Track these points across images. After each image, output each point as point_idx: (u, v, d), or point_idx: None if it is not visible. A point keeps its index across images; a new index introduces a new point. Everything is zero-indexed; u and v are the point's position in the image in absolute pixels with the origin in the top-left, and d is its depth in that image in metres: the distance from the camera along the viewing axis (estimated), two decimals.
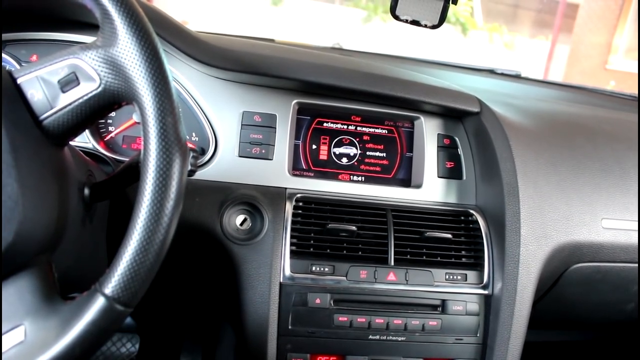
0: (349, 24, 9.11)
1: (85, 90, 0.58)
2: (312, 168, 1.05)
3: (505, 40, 9.86)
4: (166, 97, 0.56)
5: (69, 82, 0.57)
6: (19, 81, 0.57)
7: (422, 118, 1.07)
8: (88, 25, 0.95)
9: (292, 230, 0.94)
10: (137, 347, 1.51)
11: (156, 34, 0.58)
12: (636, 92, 1.69)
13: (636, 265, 1.08)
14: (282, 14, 8.96)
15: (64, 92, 0.58)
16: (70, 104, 0.58)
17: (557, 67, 8.98)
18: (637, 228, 1.06)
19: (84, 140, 0.96)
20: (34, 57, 0.96)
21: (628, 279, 1.12)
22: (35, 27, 0.96)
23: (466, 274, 0.98)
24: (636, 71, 8.00)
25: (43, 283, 0.56)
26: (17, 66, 0.94)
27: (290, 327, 0.92)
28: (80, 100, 0.58)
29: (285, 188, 1.00)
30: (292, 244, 0.93)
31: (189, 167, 0.61)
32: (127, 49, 0.56)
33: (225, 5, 8.40)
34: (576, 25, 8.65)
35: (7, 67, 0.79)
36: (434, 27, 0.98)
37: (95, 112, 0.59)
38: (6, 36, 0.95)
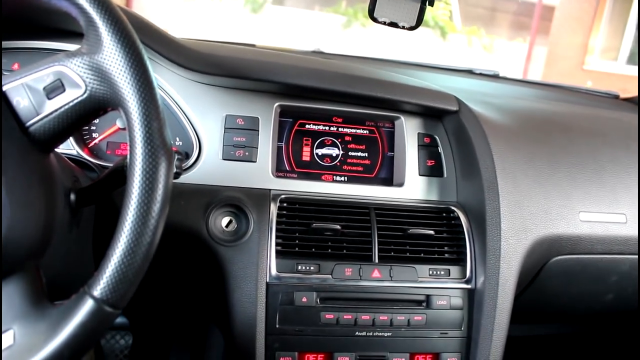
0: (329, 30, 9.15)
1: (71, 96, 0.58)
2: (296, 169, 1.06)
3: (483, 43, 9.98)
4: (151, 102, 0.57)
5: (54, 89, 0.58)
6: (4, 88, 0.58)
7: (402, 118, 1.09)
8: (70, 33, 0.96)
9: (277, 230, 0.95)
10: (130, 344, 1.53)
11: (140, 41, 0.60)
12: (612, 89, 1.73)
13: (613, 256, 1.10)
14: (263, 22, 8.97)
15: (49, 98, 0.58)
16: (56, 111, 0.58)
17: (535, 69, 9.10)
18: (614, 220, 1.09)
19: (68, 147, 0.96)
20: (16, 66, 0.96)
21: (606, 270, 1.14)
22: (17, 36, 0.96)
23: (449, 269, 0.99)
24: (612, 71, 8.14)
25: (31, 288, 0.57)
26: None
27: (277, 326, 0.93)
28: (66, 107, 0.59)
29: (270, 189, 1.01)
30: (277, 244, 0.94)
31: (175, 170, 0.62)
32: (112, 55, 0.57)
33: (205, 14, 8.39)
34: (553, 27, 8.78)
35: None
36: (411, 28, 1.00)
37: (81, 118, 0.60)
38: None
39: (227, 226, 0.96)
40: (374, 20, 1.00)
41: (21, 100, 0.58)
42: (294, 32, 8.66)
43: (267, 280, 0.93)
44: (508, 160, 1.02)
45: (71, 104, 0.58)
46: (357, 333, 0.95)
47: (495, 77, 1.65)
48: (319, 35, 8.79)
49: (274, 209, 0.96)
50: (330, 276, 0.94)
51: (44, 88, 0.58)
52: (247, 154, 1.01)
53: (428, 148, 1.09)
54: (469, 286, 1.00)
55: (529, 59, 9.26)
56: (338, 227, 0.96)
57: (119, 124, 1.01)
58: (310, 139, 1.07)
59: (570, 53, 8.50)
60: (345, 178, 1.08)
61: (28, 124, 0.58)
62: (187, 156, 1.00)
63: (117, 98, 0.58)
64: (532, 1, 9.53)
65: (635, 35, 8.16)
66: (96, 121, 1.01)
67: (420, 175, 1.08)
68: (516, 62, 9.32)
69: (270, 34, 8.54)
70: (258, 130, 1.02)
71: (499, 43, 10.05)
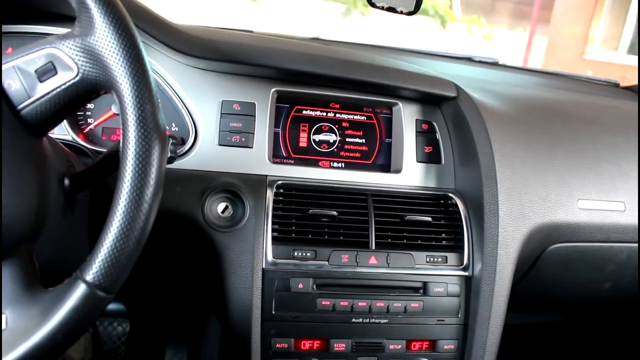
0: (328, 18, 9.09)
1: (63, 79, 0.58)
2: (293, 155, 1.05)
3: (484, 32, 9.92)
4: (144, 85, 0.57)
5: (46, 72, 0.58)
6: None
7: (400, 104, 1.08)
8: (63, 17, 0.95)
9: (274, 216, 0.94)
10: (128, 330, 1.53)
11: (133, 24, 0.59)
12: (611, 78, 1.72)
13: (611, 244, 1.10)
14: (261, 9, 8.92)
15: (41, 81, 0.58)
16: (48, 93, 0.58)
17: (535, 58, 9.06)
18: (613, 208, 1.08)
19: (63, 132, 0.96)
20: (9, 50, 0.95)
21: (604, 259, 1.14)
22: (9, 20, 0.95)
23: (446, 256, 0.99)
24: (612, 61, 8.11)
25: (24, 272, 0.57)
26: None
27: (274, 312, 0.93)
28: (58, 90, 0.58)
29: (266, 175, 1.00)
30: (273, 230, 0.93)
31: (169, 154, 0.61)
32: (104, 37, 0.56)
33: (203, 2, 8.34)
34: (553, 17, 8.72)
35: None
36: (409, 13, 0.99)
37: (73, 101, 0.60)
38: None
39: (223, 212, 0.95)
40: (372, 5, 0.99)
41: (12, 83, 0.57)
42: (293, 21, 8.61)
43: (263, 267, 0.92)
44: (506, 147, 1.01)
45: (63, 86, 0.58)
46: (353, 320, 0.95)
47: (494, 64, 1.64)
48: (318, 24, 8.74)
49: (270, 194, 0.96)
50: (326, 262, 0.94)
51: (36, 71, 0.58)
52: (243, 139, 1.00)
53: (426, 134, 1.09)
54: (466, 273, 0.99)
55: (529, 48, 9.21)
56: (335, 213, 0.95)
57: (114, 109, 1.00)
58: (307, 124, 1.07)
59: (571, 43, 8.45)
60: (343, 164, 1.07)
61: (20, 107, 0.57)
62: (183, 142, 0.99)
63: (110, 81, 0.57)
64: None
65: (636, 24, 8.12)
66: (91, 106, 1.01)
67: (417, 161, 1.08)
68: (516, 52, 9.28)
69: (269, 23, 8.49)
70: (254, 116, 1.01)
71: (499, 32, 10.00)
